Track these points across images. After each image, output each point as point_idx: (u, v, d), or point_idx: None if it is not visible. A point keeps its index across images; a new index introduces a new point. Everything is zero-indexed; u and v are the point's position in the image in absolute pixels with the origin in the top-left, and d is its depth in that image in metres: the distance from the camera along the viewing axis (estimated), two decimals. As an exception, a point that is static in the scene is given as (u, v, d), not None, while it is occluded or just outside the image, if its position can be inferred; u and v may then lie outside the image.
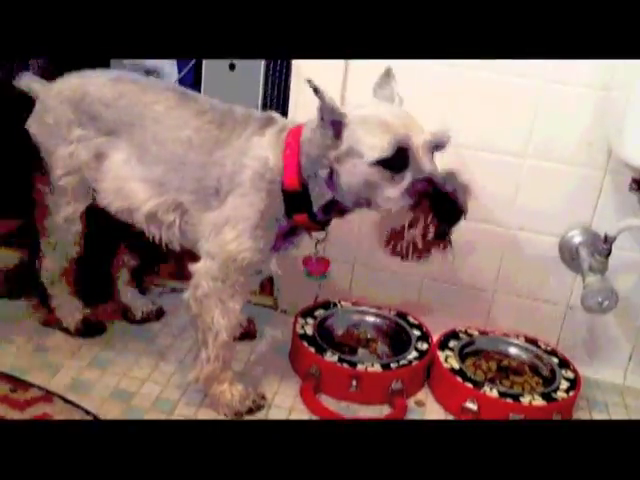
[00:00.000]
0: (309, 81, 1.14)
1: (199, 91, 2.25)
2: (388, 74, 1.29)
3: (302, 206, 1.28)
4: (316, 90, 1.14)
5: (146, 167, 1.35)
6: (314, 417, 1.44)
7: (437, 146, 1.18)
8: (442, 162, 1.54)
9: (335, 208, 1.28)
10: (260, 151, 1.28)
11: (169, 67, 2.50)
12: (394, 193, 1.15)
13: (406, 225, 1.13)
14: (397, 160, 1.14)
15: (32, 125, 1.45)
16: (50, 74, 1.49)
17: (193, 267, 1.34)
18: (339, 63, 1.57)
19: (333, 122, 1.18)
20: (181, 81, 2.44)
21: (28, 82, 1.47)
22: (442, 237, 1.15)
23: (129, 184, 1.37)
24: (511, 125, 1.53)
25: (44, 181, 1.45)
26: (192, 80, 2.42)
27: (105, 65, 2.28)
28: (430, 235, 1.13)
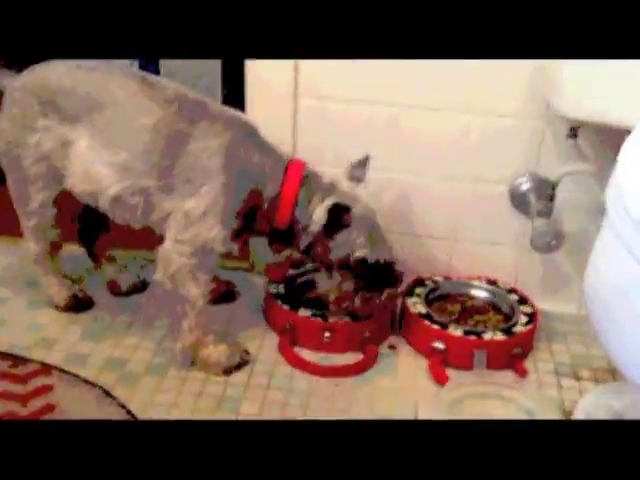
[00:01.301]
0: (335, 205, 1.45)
1: (157, 66, 2.31)
2: (366, 161, 1.55)
3: (286, 240, 1.52)
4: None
5: (111, 152, 1.42)
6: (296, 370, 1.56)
7: None
8: (398, 121, 1.67)
9: None
10: (249, 167, 1.44)
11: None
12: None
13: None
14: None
15: (1, 121, 1.51)
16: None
17: (160, 249, 1.45)
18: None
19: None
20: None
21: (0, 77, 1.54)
22: None
23: (94, 168, 1.44)
24: (454, 84, 1.63)
25: (16, 171, 1.53)
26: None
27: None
28: None
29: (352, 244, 1.50)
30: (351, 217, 1.47)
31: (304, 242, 1.51)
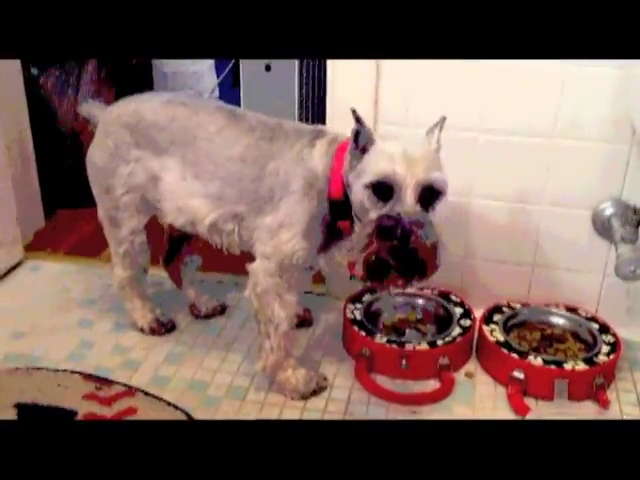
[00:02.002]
0: (353, 111, 1.27)
1: (238, 92, 2.38)
2: (442, 122, 1.38)
3: (345, 214, 1.39)
4: (358, 119, 1.28)
5: (204, 184, 1.47)
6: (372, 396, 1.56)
7: (433, 191, 1.27)
8: (477, 146, 1.65)
9: None
10: (311, 163, 1.40)
11: (208, 70, 2.63)
12: (369, 218, 1.27)
13: (359, 248, 1.26)
14: (381, 190, 1.25)
15: (94, 151, 1.58)
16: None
17: (250, 267, 1.47)
18: (371, 62, 1.66)
19: (363, 147, 1.30)
20: (220, 83, 2.57)
21: (89, 108, 1.61)
22: (382, 273, 1.25)
23: (190, 200, 1.49)
24: (539, 108, 1.61)
25: (108, 199, 1.59)
26: (231, 81, 2.54)
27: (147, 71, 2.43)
28: (372, 265, 1.24)
29: None
30: None
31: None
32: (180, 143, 1.48)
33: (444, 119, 1.38)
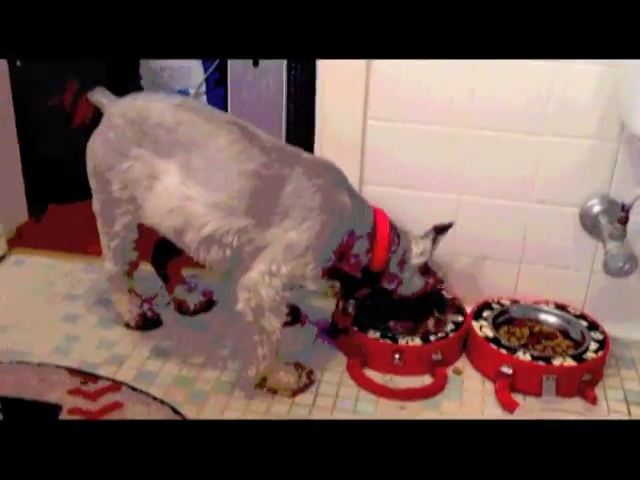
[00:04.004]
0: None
1: (222, 91, 2.37)
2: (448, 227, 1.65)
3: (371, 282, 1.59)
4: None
5: (207, 192, 1.43)
6: (362, 390, 1.56)
7: None
8: (465, 142, 1.66)
9: None
10: (343, 205, 1.48)
11: (195, 65, 2.60)
12: None
13: None
14: None
15: (96, 139, 1.55)
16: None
17: (245, 279, 1.44)
18: (361, 62, 1.66)
19: None
20: (207, 79, 2.54)
21: (100, 96, 1.59)
22: None
23: (187, 204, 1.44)
24: (528, 105, 1.61)
25: (103, 193, 1.56)
26: (217, 78, 2.52)
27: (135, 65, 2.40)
28: None
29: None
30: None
31: (396, 280, 1.60)
32: (185, 148, 1.45)
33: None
